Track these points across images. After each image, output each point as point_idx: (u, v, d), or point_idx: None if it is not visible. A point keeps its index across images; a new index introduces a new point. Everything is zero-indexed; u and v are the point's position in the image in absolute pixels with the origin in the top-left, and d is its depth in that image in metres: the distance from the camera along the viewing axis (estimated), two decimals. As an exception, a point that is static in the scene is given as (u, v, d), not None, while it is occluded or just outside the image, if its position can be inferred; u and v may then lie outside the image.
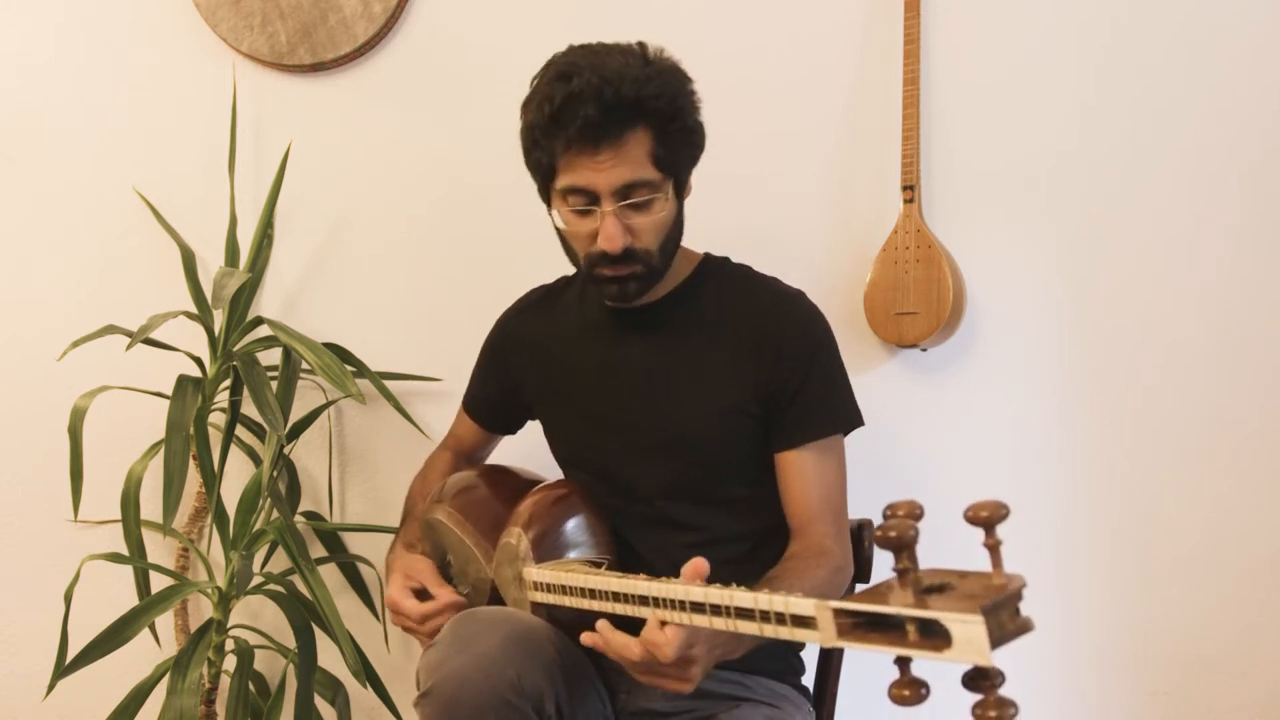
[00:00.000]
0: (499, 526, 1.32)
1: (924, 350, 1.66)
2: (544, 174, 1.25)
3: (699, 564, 0.98)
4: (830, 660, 1.40)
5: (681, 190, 1.29)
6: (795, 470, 1.27)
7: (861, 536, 1.41)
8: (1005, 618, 0.66)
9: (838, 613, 0.77)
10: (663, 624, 0.97)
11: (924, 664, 0.72)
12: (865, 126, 1.70)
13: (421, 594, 1.33)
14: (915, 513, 0.72)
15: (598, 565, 1.26)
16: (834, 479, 1.28)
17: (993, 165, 1.66)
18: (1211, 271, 1.59)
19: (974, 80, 1.66)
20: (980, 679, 0.68)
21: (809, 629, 0.82)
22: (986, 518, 0.67)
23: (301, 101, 1.95)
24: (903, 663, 0.73)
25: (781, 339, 1.28)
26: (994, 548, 0.68)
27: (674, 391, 1.31)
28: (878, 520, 1.41)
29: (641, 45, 1.24)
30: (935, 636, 0.68)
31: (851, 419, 1.31)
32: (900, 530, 0.71)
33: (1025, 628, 0.68)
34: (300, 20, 1.89)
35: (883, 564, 1.39)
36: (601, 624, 1.03)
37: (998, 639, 0.65)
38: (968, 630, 0.65)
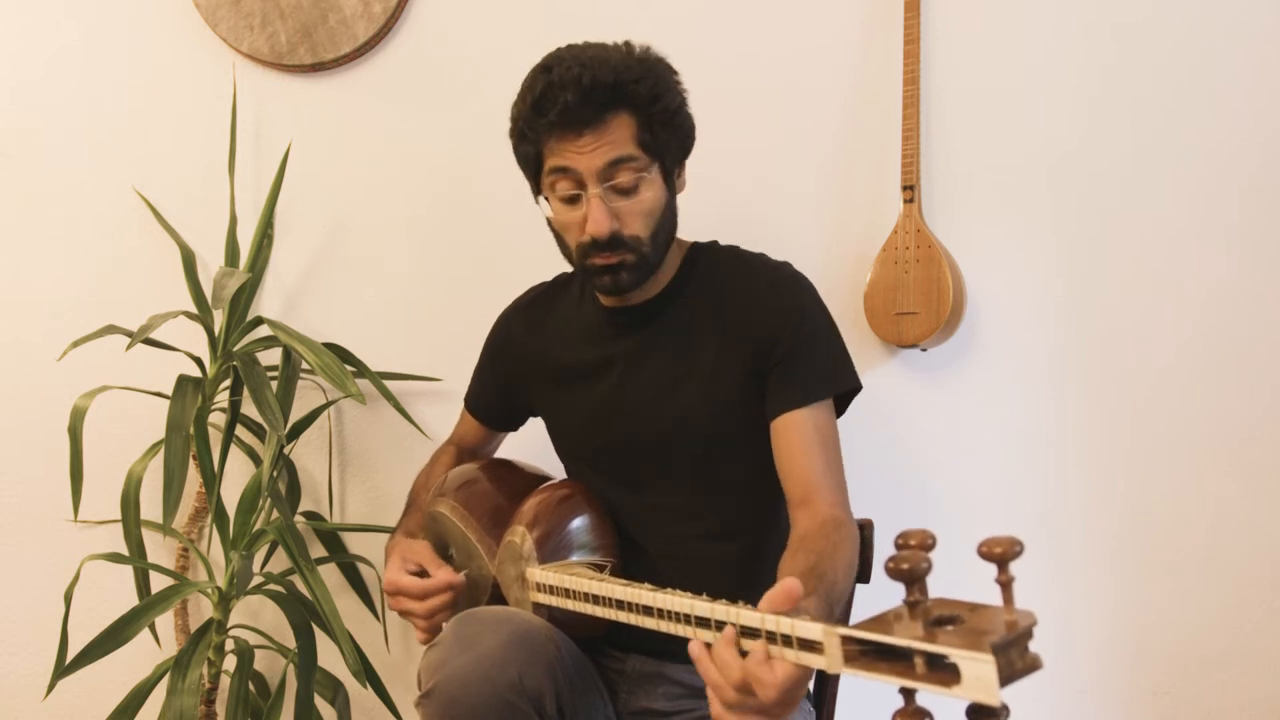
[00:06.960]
0: (502, 522, 1.32)
1: (924, 350, 1.66)
2: (532, 165, 1.27)
3: (791, 585, 0.87)
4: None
5: (671, 178, 1.29)
6: (791, 435, 1.24)
7: (862, 537, 1.40)
8: (1015, 655, 0.66)
9: (845, 639, 0.76)
10: (769, 658, 0.85)
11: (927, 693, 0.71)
12: (865, 126, 1.70)
13: (420, 576, 1.32)
14: (927, 543, 0.71)
15: (601, 569, 1.26)
16: (831, 444, 1.25)
17: (993, 165, 1.66)
18: (1212, 273, 1.58)
19: (974, 80, 1.66)
20: (986, 714, 0.67)
21: (814, 653, 0.80)
22: (1000, 554, 0.66)
23: (301, 101, 1.95)
24: (908, 691, 0.72)
25: (765, 305, 1.28)
26: (1006, 584, 0.67)
27: (671, 382, 1.31)
28: (879, 521, 1.42)
29: (628, 43, 1.27)
30: (944, 671, 0.67)
31: (846, 377, 1.28)
32: (913, 563, 0.70)
33: (1034, 666, 0.67)
34: (300, 20, 1.89)
35: (881, 566, 1.40)
36: (699, 645, 0.91)
37: (1007, 678, 0.65)
38: (977, 668, 0.64)
